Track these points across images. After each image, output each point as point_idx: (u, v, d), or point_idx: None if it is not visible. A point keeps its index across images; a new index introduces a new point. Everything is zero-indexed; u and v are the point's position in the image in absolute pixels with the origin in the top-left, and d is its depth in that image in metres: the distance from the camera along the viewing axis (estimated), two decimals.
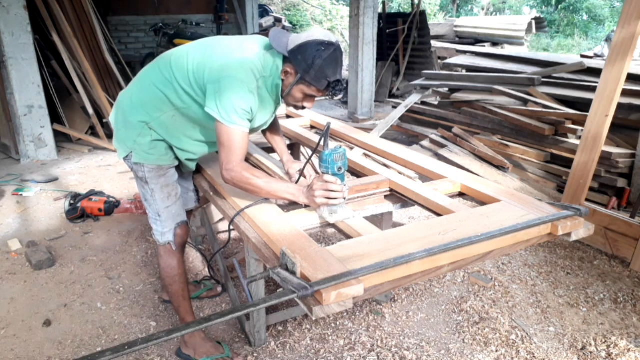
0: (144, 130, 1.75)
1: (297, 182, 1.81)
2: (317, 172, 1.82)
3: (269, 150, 2.41)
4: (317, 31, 1.61)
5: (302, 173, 1.88)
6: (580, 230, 1.52)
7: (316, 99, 1.71)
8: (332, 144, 2.51)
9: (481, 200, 1.77)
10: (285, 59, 1.62)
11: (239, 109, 1.54)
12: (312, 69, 1.56)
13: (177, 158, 1.86)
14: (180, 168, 1.95)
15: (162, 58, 1.79)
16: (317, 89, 1.60)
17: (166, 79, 1.69)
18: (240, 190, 1.63)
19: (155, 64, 1.79)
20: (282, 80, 1.66)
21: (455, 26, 11.16)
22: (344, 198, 1.55)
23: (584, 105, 3.76)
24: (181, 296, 1.98)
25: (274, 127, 2.10)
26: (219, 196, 1.90)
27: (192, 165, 1.95)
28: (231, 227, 1.66)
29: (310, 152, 3.88)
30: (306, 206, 1.64)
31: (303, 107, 1.73)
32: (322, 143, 1.63)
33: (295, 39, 1.60)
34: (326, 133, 1.58)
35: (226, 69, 1.58)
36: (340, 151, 1.54)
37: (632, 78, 3.85)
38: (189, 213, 2.19)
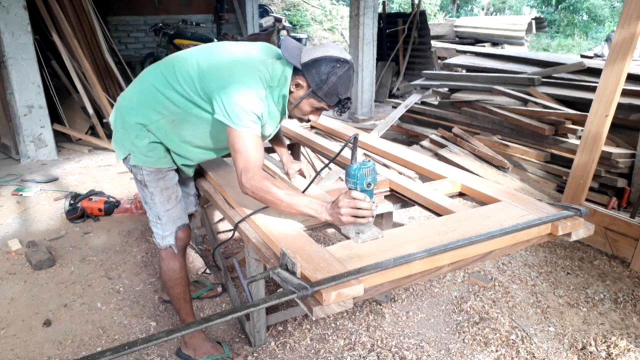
0: (141, 132, 1.72)
1: (304, 191, 1.74)
2: (316, 172, 1.80)
3: (269, 150, 2.41)
4: (332, 47, 1.59)
5: (309, 178, 1.86)
6: (580, 230, 1.52)
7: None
8: (337, 149, 2.51)
9: (481, 201, 1.77)
10: (296, 71, 1.59)
11: (249, 112, 1.52)
12: (326, 85, 1.54)
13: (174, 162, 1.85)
14: (179, 172, 1.93)
15: (164, 61, 1.77)
16: (327, 104, 1.59)
17: (168, 82, 1.67)
18: (258, 200, 1.53)
19: (157, 66, 1.77)
20: (291, 92, 1.63)
21: (455, 26, 11.15)
22: (373, 217, 1.41)
23: (584, 105, 3.75)
24: (182, 299, 1.98)
25: None
26: (220, 198, 1.90)
27: (189, 171, 1.93)
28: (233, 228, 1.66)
29: (309, 152, 3.87)
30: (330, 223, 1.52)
31: (308, 120, 1.71)
32: (342, 154, 1.52)
33: (310, 52, 1.57)
34: (354, 145, 1.43)
35: (235, 75, 1.55)
36: (370, 165, 1.40)
37: (632, 78, 3.85)
38: (189, 215, 2.18)
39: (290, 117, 1.74)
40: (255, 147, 1.53)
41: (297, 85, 1.60)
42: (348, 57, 1.57)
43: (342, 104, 1.59)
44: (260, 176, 1.50)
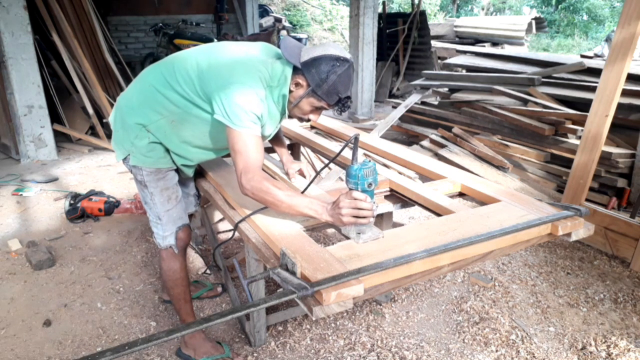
0: (141, 132, 1.72)
1: (304, 191, 1.73)
2: (316, 172, 1.80)
3: (269, 150, 2.41)
4: (332, 46, 1.59)
5: (309, 178, 1.85)
6: (580, 230, 1.52)
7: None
8: (337, 149, 2.51)
9: (481, 201, 1.77)
10: (295, 70, 1.59)
11: (249, 112, 1.51)
12: (326, 83, 1.53)
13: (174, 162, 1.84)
14: (179, 172, 1.92)
15: (164, 61, 1.76)
16: (327, 103, 1.59)
17: (167, 82, 1.66)
18: (257, 201, 1.52)
19: (156, 67, 1.76)
20: (291, 91, 1.62)
21: (455, 26, 11.15)
22: (374, 217, 1.40)
23: (584, 105, 3.75)
24: (182, 299, 1.98)
25: None
26: (220, 197, 1.90)
27: (189, 172, 1.92)
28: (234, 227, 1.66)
29: (309, 152, 3.87)
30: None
31: (308, 120, 1.71)
32: (342, 154, 1.50)
33: (309, 51, 1.56)
34: (355, 145, 1.42)
35: (234, 75, 1.55)
36: (370, 165, 1.40)
37: (632, 78, 3.85)
38: (189, 216, 2.17)
39: (290, 117, 1.74)
40: (255, 147, 1.52)
41: (297, 85, 1.60)
42: (348, 55, 1.57)
43: (342, 103, 1.59)
44: (260, 177, 1.49)
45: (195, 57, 1.67)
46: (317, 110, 1.66)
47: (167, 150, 1.79)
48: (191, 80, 1.62)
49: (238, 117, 1.50)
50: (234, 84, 1.53)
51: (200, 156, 1.84)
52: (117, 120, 1.79)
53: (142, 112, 1.71)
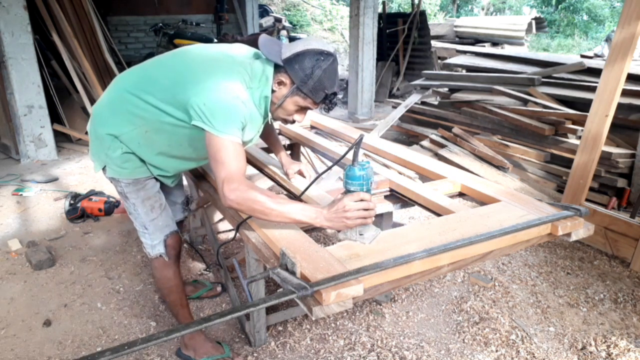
0: (113, 143, 1.64)
1: (303, 192, 1.70)
2: (317, 173, 1.80)
3: (268, 150, 2.41)
4: (314, 40, 1.53)
5: (309, 179, 1.83)
6: (580, 230, 1.53)
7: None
8: (338, 149, 2.51)
9: (481, 201, 1.77)
10: (277, 69, 1.51)
11: (230, 117, 1.43)
12: (311, 79, 1.46)
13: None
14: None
15: (138, 67, 1.70)
16: (313, 101, 1.52)
17: (140, 90, 1.58)
18: (244, 212, 1.45)
19: (129, 74, 1.69)
20: (274, 91, 1.54)
21: (455, 26, 11.14)
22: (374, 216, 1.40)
23: (584, 105, 3.75)
24: (179, 305, 1.96)
25: (267, 127, 2.03)
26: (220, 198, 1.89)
27: (168, 182, 1.85)
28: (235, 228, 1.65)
29: (309, 152, 3.87)
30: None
31: (293, 122, 1.64)
32: (347, 156, 1.46)
33: (291, 47, 1.50)
34: (357, 146, 1.37)
35: (213, 78, 1.48)
36: (369, 165, 1.39)
37: (632, 78, 3.85)
38: (180, 222, 2.10)
39: (274, 119, 1.67)
40: (237, 155, 1.43)
41: (280, 83, 1.53)
42: (331, 49, 1.51)
43: (328, 100, 1.53)
44: (246, 186, 1.40)
45: (171, 63, 1.61)
46: (302, 110, 1.60)
47: (143, 160, 1.72)
48: (165, 87, 1.54)
49: (219, 122, 1.42)
50: (212, 88, 1.45)
51: (178, 166, 1.78)
52: (92, 131, 1.71)
53: (114, 122, 1.63)
